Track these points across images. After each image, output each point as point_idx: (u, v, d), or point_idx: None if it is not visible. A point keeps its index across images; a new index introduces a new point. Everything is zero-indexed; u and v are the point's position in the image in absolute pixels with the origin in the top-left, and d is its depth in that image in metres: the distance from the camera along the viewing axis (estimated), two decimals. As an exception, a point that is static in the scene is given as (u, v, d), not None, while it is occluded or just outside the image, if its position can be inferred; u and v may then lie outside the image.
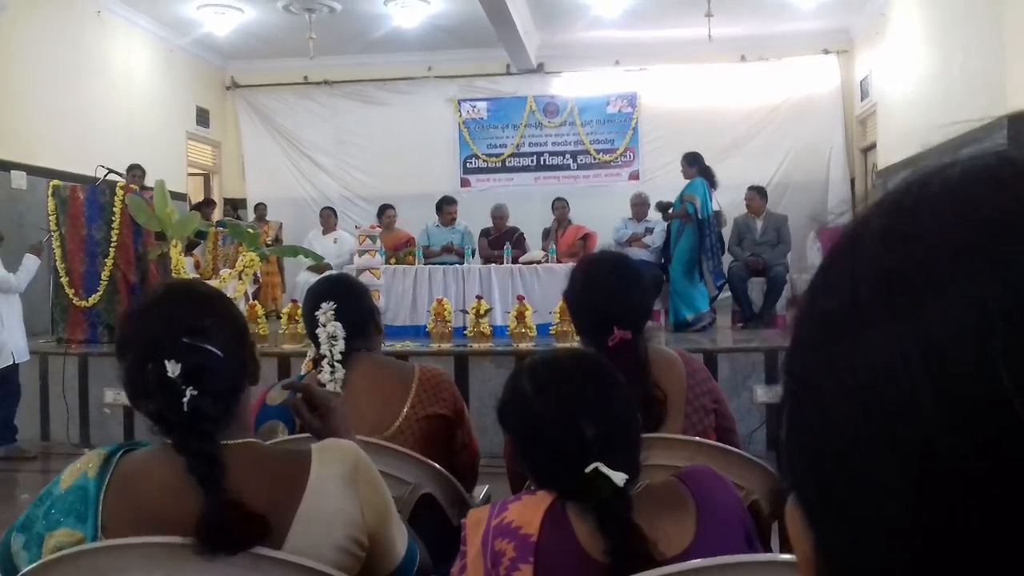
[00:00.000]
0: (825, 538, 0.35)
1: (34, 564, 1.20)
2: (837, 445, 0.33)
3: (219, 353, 1.25)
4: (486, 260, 7.89)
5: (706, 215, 7.03)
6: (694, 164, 7.29)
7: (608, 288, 1.95)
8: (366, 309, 2.23)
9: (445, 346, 5.81)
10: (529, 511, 1.25)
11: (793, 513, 0.37)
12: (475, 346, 5.76)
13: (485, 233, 8.33)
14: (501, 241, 7.85)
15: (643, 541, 1.15)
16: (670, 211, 7.46)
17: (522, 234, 8.18)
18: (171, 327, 1.26)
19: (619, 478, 1.17)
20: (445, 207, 8.28)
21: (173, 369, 1.20)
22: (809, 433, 0.35)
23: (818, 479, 0.35)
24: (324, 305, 2.06)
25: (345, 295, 2.14)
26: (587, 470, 1.18)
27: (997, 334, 0.29)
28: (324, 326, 2.05)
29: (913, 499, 0.31)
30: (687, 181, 7.31)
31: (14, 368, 5.47)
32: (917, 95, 8.06)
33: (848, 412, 0.33)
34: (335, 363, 2.04)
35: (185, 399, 1.19)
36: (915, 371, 0.31)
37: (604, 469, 1.17)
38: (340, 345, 2.04)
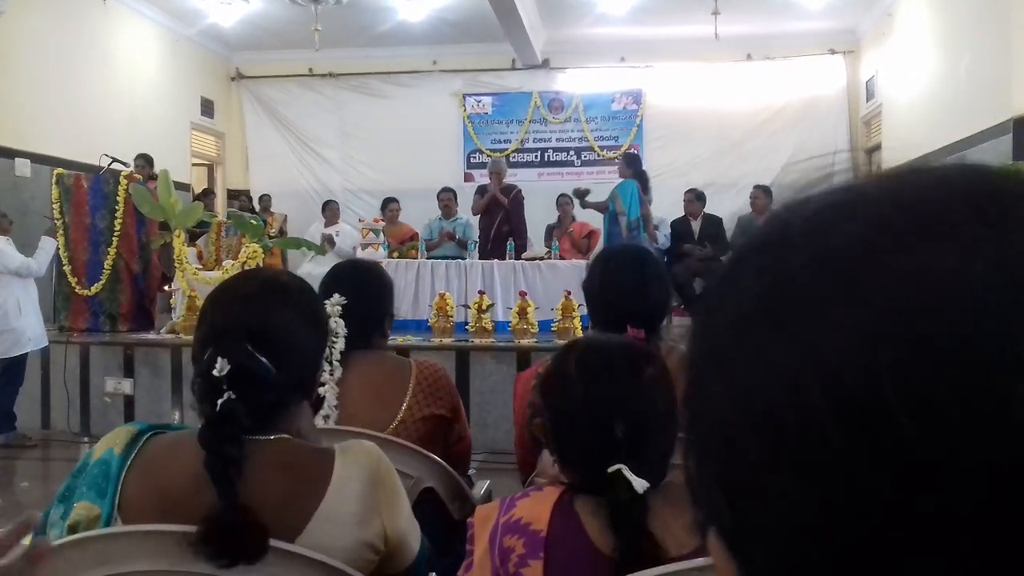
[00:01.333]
0: (746, 565, 0.36)
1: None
2: (742, 472, 0.35)
3: (273, 369, 1.21)
4: (484, 215, 7.83)
5: (631, 217, 7.01)
6: (631, 165, 7.36)
7: (624, 284, 1.92)
8: (376, 313, 2.12)
9: (447, 341, 5.81)
10: (538, 507, 1.24)
11: (715, 543, 0.38)
12: (476, 341, 5.76)
13: (481, 190, 8.17)
14: (495, 199, 7.76)
15: (655, 546, 1.14)
16: (587, 198, 7.53)
17: (519, 192, 8.03)
18: (239, 325, 1.23)
19: (640, 485, 1.14)
20: (441, 195, 8.25)
21: (221, 367, 1.17)
22: (714, 459, 0.37)
23: (731, 507, 0.36)
24: (335, 297, 1.98)
25: (359, 292, 2.03)
26: (610, 470, 1.16)
27: (865, 350, 0.31)
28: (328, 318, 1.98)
29: (820, 518, 0.32)
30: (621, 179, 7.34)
31: (25, 354, 5.50)
32: (923, 96, 8.04)
33: (743, 436, 0.34)
34: (334, 362, 1.95)
35: (220, 400, 1.17)
36: (796, 391, 0.32)
37: (627, 473, 1.15)
38: (340, 344, 1.96)
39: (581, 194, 7.65)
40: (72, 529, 1.22)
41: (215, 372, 1.17)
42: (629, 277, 1.94)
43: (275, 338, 1.24)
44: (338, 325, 1.97)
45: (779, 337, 0.34)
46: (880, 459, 0.30)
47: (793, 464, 0.32)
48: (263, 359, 1.21)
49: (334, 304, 1.99)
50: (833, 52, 10.34)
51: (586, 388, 1.25)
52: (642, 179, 7.28)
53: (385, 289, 2.19)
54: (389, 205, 8.64)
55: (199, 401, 1.21)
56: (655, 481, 1.18)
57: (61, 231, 6.35)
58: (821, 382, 0.32)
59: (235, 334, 1.21)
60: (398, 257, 7.18)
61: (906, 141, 8.39)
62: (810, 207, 0.36)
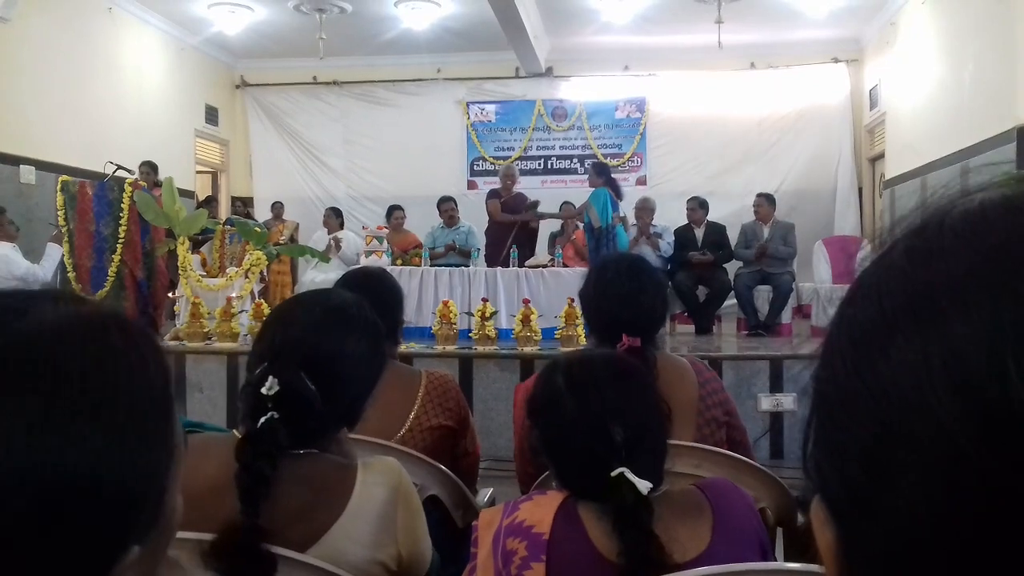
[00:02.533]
0: (847, 531, 0.38)
1: None
2: (863, 444, 0.36)
3: (320, 398, 1.22)
4: (500, 224, 7.88)
5: (603, 226, 7.07)
6: (601, 174, 7.42)
7: (620, 293, 1.92)
8: (387, 323, 2.02)
9: (450, 348, 5.81)
10: (541, 510, 1.25)
11: (817, 507, 0.40)
12: (480, 349, 5.76)
13: (495, 194, 8.24)
14: (514, 203, 7.82)
15: (660, 550, 1.15)
16: (537, 209, 7.81)
17: (531, 202, 8.13)
18: (296, 350, 1.24)
19: (644, 486, 1.16)
20: (442, 205, 8.28)
21: (270, 387, 1.19)
22: (837, 433, 0.38)
23: (843, 476, 0.38)
24: None
25: (371, 302, 2.00)
26: (612, 474, 1.17)
27: (1012, 346, 0.31)
28: None
29: (931, 497, 0.33)
30: (593, 189, 7.39)
31: None
32: (926, 105, 8.04)
33: (874, 415, 0.35)
34: None
35: (263, 417, 1.18)
36: (937, 379, 0.33)
37: (630, 476, 1.16)
38: None
39: (531, 206, 7.85)
40: None
41: (263, 391, 1.18)
42: (624, 286, 1.94)
43: (329, 369, 1.25)
44: None
45: (918, 324, 0.34)
46: (1003, 451, 0.31)
47: (911, 447, 0.33)
48: (313, 387, 1.22)
49: None
50: (836, 61, 10.35)
51: (579, 399, 1.27)
52: (613, 186, 7.35)
53: (396, 298, 2.18)
54: (394, 213, 8.65)
55: (242, 412, 1.22)
56: (655, 484, 1.20)
57: (66, 238, 6.36)
58: (950, 369, 0.32)
59: (290, 358, 1.23)
60: (402, 264, 7.18)
61: (909, 150, 8.39)
62: (975, 199, 0.37)
